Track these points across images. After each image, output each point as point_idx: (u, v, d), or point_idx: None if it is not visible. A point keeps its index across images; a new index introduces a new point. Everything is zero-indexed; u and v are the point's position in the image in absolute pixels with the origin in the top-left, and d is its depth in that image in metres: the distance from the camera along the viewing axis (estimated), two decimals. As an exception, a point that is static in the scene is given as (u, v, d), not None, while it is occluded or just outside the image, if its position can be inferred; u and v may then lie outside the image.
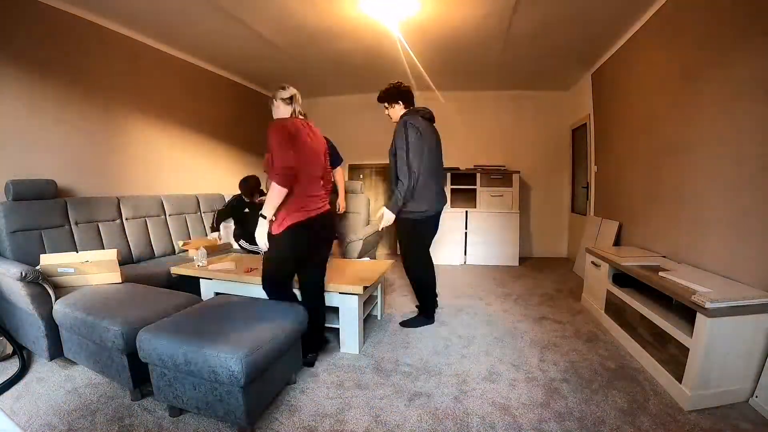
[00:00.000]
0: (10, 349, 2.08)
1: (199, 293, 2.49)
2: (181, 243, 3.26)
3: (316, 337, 2.11)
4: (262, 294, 2.06)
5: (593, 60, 3.97)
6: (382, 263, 2.80)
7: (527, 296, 3.40)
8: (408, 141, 2.33)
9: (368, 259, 3.35)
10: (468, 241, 4.79)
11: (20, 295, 1.93)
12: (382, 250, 5.35)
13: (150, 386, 1.64)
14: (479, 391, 1.84)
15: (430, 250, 2.63)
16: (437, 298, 2.78)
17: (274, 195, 1.75)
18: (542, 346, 2.33)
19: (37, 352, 2.04)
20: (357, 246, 3.28)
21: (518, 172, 4.87)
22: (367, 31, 3.28)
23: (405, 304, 3.11)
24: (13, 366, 1.99)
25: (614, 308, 2.54)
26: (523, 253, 4.98)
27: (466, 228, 4.85)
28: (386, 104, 2.59)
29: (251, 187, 3.49)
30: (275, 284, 1.98)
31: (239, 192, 3.56)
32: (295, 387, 1.86)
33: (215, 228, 3.53)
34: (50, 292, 1.99)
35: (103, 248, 2.73)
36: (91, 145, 3.03)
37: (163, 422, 1.57)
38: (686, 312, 1.82)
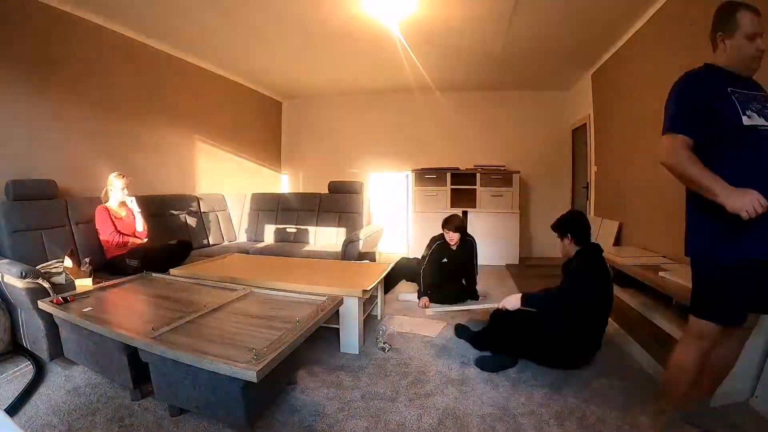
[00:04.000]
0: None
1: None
2: None
3: None
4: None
5: (593, 60, 3.97)
6: (382, 264, 2.80)
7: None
8: None
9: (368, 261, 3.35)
10: (468, 241, 4.78)
11: (20, 295, 1.93)
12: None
13: (150, 386, 1.64)
14: (479, 391, 1.84)
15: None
16: None
17: None
18: (542, 346, 2.33)
19: (37, 352, 2.04)
20: (357, 246, 3.28)
21: (518, 172, 4.87)
22: (367, 31, 3.28)
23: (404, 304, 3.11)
24: (10, 368, 2.00)
25: (614, 308, 2.54)
26: (523, 253, 4.97)
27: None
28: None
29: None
30: None
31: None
32: (295, 387, 1.86)
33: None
34: (50, 292, 1.99)
35: (103, 249, 2.72)
36: (91, 145, 3.03)
37: (163, 422, 1.57)
38: (686, 312, 1.82)
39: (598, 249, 2.17)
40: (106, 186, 2.79)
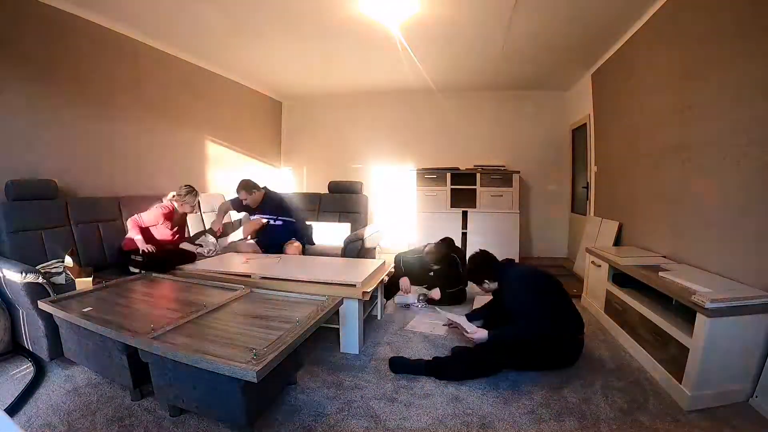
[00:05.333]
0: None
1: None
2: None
3: None
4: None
5: (593, 60, 3.97)
6: (383, 265, 2.80)
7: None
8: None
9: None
10: (468, 242, 4.78)
11: (20, 295, 1.93)
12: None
13: (150, 386, 1.64)
14: (479, 391, 1.84)
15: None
16: None
17: None
18: (542, 346, 2.33)
19: (37, 352, 2.04)
20: (357, 246, 3.28)
21: (518, 172, 4.86)
22: (367, 31, 3.27)
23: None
24: (10, 368, 2.00)
25: (614, 308, 2.54)
26: (523, 253, 4.96)
27: (465, 228, 4.84)
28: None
29: None
30: None
31: None
32: (295, 387, 1.86)
33: None
34: (50, 292, 1.99)
35: (104, 249, 2.74)
36: (91, 145, 3.03)
37: (163, 422, 1.57)
38: (686, 312, 1.82)
39: (510, 262, 2.30)
40: (176, 196, 2.97)
